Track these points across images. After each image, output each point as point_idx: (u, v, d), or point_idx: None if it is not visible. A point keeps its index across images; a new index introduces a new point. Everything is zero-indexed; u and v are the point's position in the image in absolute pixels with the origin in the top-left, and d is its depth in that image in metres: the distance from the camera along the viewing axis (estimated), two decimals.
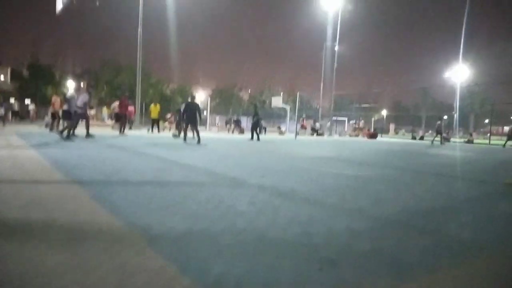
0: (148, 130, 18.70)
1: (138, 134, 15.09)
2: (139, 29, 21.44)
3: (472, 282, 1.75)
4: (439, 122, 20.67)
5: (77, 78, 53.84)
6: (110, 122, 20.34)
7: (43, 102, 41.00)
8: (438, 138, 20.47)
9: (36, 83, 45.91)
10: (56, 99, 14.83)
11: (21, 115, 29.97)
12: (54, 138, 9.96)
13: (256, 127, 15.78)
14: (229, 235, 2.25)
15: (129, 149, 8.09)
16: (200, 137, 11.55)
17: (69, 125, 10.44)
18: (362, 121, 33.43)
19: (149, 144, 9.93)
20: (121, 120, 14.88)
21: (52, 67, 49.54)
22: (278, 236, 2.28)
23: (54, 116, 14.44)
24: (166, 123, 21.45)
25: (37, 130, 15.64)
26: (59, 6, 7.53)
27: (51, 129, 14.03)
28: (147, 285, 1.54)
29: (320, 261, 1.90)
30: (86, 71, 52.21)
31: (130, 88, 41.86)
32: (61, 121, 14.10)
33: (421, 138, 31.49)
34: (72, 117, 10.66)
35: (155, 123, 18.42)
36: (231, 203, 3.12)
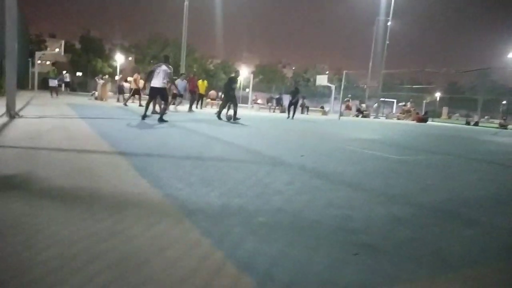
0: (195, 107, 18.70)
1: (185, 110, 15.40)
2: (186, 2, 21.53)
3: None
4: (503, 106, 19.32)
5: (125, 51, 55.75)
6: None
7: (93, 74, 42.89)
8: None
9: (87, 56, 48.08)
10: (137, 77, 15.89)
11: (72, 87, 31.18)
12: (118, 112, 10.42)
13: (292, 105, 15.66)
14: (265, 214, 2.24)
15: (180, 126, 8.29)
16: (240, 115, 11.35)
17: (166, 106, 11.35)
18: (409, 103, 31.67)
19: (195, 120, 10.12)
20: (192, 97, 15.80)
21: (102, 40, 51.54)
22: (315, 218, 2.24)
23: (136, 92, 15.54)
24: (209, 100, 21.67)
25: (92, 102, 16.45)
26: None
27: (125, 104, 15.11)
28: (183, 256, 1.57)
29: (357, 246, 1.84)
30: (133, 45, 53.77)
31: (175, 63, 42.72)
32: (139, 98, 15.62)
33: (476, 123, 29.51)
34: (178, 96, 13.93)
35: (200, 99, 18.29)
36: (269, 182, 3.11)
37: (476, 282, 1.55)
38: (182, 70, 22.17)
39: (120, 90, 19.08)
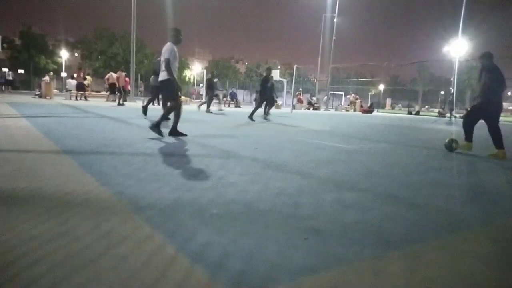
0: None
1: (135, 106, 14.93)
2: None
3: (455, 253, 1.77)
4: (450, 97, 20.66)
5: (71, 47, 52.78)
6: (105, 94, 20.06)
7: (36, 72, 40.32)
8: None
9: (29, 52, 44.97)
10: (120, 74, 15.76)
11: (15, 85, 29.08)
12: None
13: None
14: (218, 206, 2.26)
15: (122, 120, 8.02)
16: (195, 110, 11.32)
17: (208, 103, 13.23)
18: (352, 95, 33.11)
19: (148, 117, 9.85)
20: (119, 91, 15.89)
21: (45, 36, 48.43)
22: (266, 207, 2.29)
23: (119, 90, 15.53)
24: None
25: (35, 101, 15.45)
26: None
27: (119, 104, 15.06)
28: (133, 253, 1.55)
29: (306, 232, 1.91)
30: (79, 41, 51.03)
31: (124, 59, 41.18)
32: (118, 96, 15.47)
33: (417, 113, 31.46)
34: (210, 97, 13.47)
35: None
36: (221, 175, 3.12)
37: (415, 260, 1.67)
38: (132, 66, 21.43)
39: (80, 88, 18.23)
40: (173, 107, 5.42)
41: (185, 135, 5.59)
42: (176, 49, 5.36)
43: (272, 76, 11.03)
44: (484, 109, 5.57)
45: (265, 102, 11.32)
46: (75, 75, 19.19)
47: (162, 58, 5.27)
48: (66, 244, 1.59)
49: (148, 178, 2.83)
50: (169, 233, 1.77)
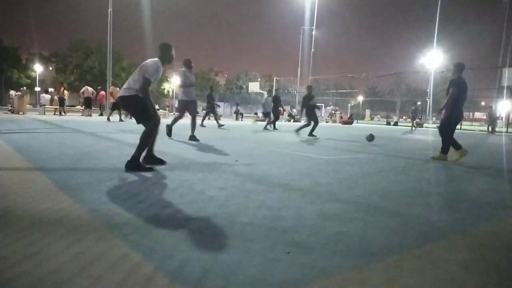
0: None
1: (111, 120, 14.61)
2: (109, 9, 20.60)
3: (435, 261, 1.78)
4: (413, 107, 21.60)
5: (45, 61, 51.66)
6: (80, 108, 19.66)
7: (8, 86, 39.19)
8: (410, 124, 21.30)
9: (0, 66, 43.70)
10: (114, 89, 14.93)
11: None
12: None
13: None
14: (198, 221, 2.20)
15: (98, 134, 7.84)
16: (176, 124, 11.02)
17: (268, 122, 12.45)
18: (331, 107, 33.82)
19: (124, 131, 9.67)
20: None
21: (17, 49, 47.24)
22: (247, 221, 2.25)
23: (114, 105, 14.37)
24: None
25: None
26: None
27: (108, 119, 14.13)
28: (108, 272, 1.48)
29: (288, 245, 1.88)
30: (54, 54, 50.06)
31: (100, 72, 40.58)
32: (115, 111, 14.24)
33: (395, 123, 32.17)
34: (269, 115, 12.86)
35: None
36: (201, 189, 3.06)
37: (397, 269, 1.66)
38: (109, 79, 21.12)
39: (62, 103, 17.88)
40: (149, 133, 4.01)
41: (164, 162, 4.23)
42: (161, 69, 4.30)
43: (313, 95, 11.39)
44: (453, 119, 6.01)
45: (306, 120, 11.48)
46: (52, 89, 18.78)
47: (142, 75, 4.00)
48: (38, 265, 1.51)
49: (124, 195, 2.74)
50: (146, 251, 1.71)
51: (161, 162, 4.22)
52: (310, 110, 10.95)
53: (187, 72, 7.38)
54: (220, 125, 13.43)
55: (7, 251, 1.64)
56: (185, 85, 7.39)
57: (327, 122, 31.96)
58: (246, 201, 2.71)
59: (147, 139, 4.02)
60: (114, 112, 14.76)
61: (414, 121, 21.67)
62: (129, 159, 3.85)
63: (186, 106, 7.52)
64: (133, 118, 4.19)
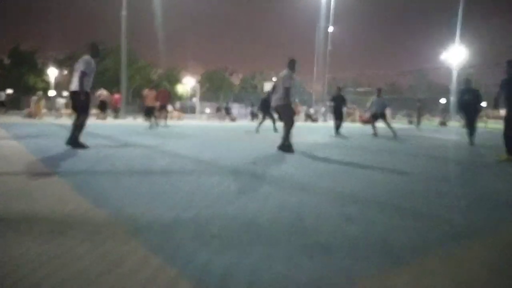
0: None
1: (126, 123, 14.81)
2: (123, 12, 20.83)
3: (461, 265, 1.72)
4: (418, 104, 21.29)
5: (60, 64, 52.52)
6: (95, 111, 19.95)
7: (25, 91, 40.03)
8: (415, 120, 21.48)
9: (18, 71, 44.68)
10: (148, 93, 13.06)
11: (6, 106, 28.44)
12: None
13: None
14: (218, 224, 2.19)
15: (114, 138, 7.93)
16: (190, 125, 11.20)
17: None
18: (347, 107, 33.20)
19: (139, 134, 9.77)
20: (162, 111, 13.46)
21: (34, 53, 48.15)
22: (268, 224, 2.22)
23: (149, 110, 12.82)
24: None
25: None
26: None
27: (150, 126, 12.20)
28: (132, 275, 1.48)
29: (311, 247, 1.84)
30: (69, 57, 50.87)
31: (116, 74, 41.08)
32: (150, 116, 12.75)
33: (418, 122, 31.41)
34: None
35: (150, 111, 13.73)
36: (220, 192, 3.05)
37: (421, 271, 1.62)
38: (123, 81, 21.35)
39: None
40: (82, 121, 5.68)
41: (87, 147, 5.62)
42: (94, 63, 5.66)
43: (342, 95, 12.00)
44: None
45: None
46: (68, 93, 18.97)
47: (79, 68, 5.55)
48: (64, 266, 1.54)
49: (143, 198, 2.75)
50: (168, 255, 1.70)
51: (83, 146, 5.59)
52: (339, 109, 11.50)
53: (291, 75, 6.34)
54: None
55: (32, 254, 1.66)
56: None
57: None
58: (266, 204, 2.69)
59: (81, 125, 5.71)
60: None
61: (444, 119, 21.19)
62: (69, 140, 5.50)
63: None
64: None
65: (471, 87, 8.32)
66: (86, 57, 5.72)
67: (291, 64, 6.34)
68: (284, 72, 6.27)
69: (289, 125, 6.16)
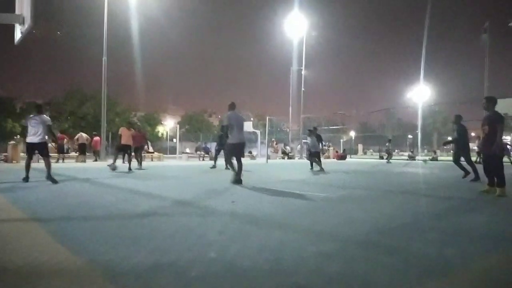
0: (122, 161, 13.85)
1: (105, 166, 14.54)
2: (104, 58, 21.17)
3: None
4: (387, 144, 23.91)
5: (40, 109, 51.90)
6: (75, 154, 19.59)
7: (1, 136, 39.25)
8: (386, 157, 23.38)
9: None
10: (123, 131, 11.92)
11: None
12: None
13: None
14: (198, 267, 2.18)
15: (94, 181, 7.80)
16: (168, 165, 11.17)
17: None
18: (324, 143, 34.26)
19: (116, 176, 9.63)
20: (138, 152, 12.76)
21: (12, 99, 47.74)
22: (248, 264, 2.23)
23: (122, 149, 11.92)
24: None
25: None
26: (17, 36, 6.96)
27: (113, 167, 11.17)
28: None
29: (291, 287, 1.86)
30: (48, 102, 50.54)
31: (95, 118, 40.84)
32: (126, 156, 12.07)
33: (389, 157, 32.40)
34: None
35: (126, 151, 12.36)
36: (200, 233, 3.04)
37: None
38: (103, 126, 21.28)
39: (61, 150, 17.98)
40: (49, 162, 7.54)
41: (56, 182, 7.12)
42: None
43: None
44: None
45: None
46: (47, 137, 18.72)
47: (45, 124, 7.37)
48: None
49: (123, 243, 2.72)
50: None
51: (55, 181, 7.15)
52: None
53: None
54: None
55: None
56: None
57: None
58: (246, 245, 2.70)
59: (50, 165, 7.56)
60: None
61: (388, 154, 23.03)
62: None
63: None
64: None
65: (461, 123, 8.54)
66: (42, 115, 7.64)
67: (231, 107, 7.51)
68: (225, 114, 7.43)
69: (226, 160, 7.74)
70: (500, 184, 5.60)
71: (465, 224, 3.65)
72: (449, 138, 8.75)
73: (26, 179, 7.40)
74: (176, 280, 1.96)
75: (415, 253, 2.55)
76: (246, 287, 1.88)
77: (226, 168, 9.88)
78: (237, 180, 7.22)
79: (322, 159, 14.31)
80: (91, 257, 2.34)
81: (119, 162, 12.40)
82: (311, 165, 12.74)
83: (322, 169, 11.95)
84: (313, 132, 12.96)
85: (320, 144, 13.42)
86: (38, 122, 7.28)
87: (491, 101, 5.89)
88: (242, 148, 7.72)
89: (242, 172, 7.29)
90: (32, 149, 7.48)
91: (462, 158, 8.62)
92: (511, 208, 4.76)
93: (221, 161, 13.41)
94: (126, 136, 11.88)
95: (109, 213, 4.04)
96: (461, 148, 8.59)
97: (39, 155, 7.99)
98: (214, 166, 13.38)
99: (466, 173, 8.45)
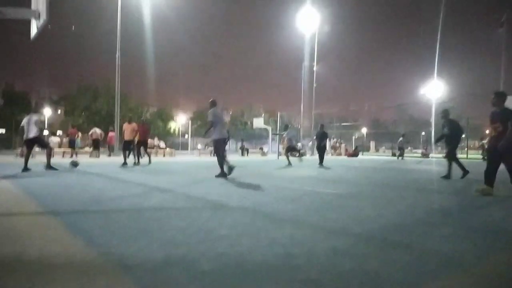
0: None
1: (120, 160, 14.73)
2: (117, 54, 21.38)
3: None
4: (401, 138, 23.20)
5: (54, 104, 52.94)
6: (88, 149, 19.90)
7: (17, 130, 40.09)
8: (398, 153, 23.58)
9: (11, 110, 44.86)
10: (126, 126, 12.03)
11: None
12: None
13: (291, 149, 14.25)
14: (209, 260, 2.19)
15: (106, 175, 7.90)
16: (180, 161, 11.26)
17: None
18: (334, 140, 33.99)
19: (131, 171, 9.73)
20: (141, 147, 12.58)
21: (27, 93, 48.70)
22: (259, 259, 2.23)
23: (126, 145, 12.00)
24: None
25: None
26: (33, 31, 7.08)
27: (123, 165, 11.18)
28: None
29: (302, 283, 1.85)
30: (62, 97, 51.37)
31: (108, 113, 41.36)
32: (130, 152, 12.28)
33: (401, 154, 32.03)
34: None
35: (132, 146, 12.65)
36: (211, 228, 3.05)
37: None
38: (117, 121, 21.51)
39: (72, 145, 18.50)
40: (50, 152, 9.33)
41: (56, 169, 8.72)
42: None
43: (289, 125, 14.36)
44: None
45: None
46: (61, 132, 19.14)
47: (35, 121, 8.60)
48: None
49: (135, 236, 2.74)
50: None
51: (55, 169, 8.77)
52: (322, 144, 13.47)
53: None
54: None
55: None
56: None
57: (332, 155, 31.90)
58: (257, 239, 2.69)
59: (50, 156, 9.29)
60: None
61: (400, 150, 23.37)
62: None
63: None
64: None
65: (450, 118, 8.35)
66: (33, 114, 8.92)
67: (213, 103, 7.99)
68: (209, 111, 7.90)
69: (218, 156, 7.87)
70: None
71: (479, 220, 3.58)
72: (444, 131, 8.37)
73: (25, 169, 8.44)
74: (187, 273, 1.97)
75: (428, 249, 2.50)
76: (257, 281, 1.88)
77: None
78: (223, 174, 7.68)
79: (334, 156, 14.73)
80: (104, 250, 2.37)
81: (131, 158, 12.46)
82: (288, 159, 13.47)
83: (290, 164, 12.91)
84: (288, 127, 14.85)
85: (326, 141, 14.23)
86: (29, 122, 8.59)
87: (501, 97, 5.60)
88: (225, 143, 8.29)
89: (250, 166, 7.30)
90: (29, 144, 8.78)
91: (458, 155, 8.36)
92: None
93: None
94: (128, 130, 11.90)
95: (121, 206, 4.08)
96: (451, 143, 8.26)
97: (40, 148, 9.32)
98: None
99: (465, 172, 8.11)
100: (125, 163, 11.24)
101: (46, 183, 6.18)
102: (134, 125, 12.19)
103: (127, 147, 12.09)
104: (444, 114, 8.44)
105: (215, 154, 8.28)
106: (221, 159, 7.81)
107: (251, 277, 1.94)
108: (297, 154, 14.72)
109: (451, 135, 8.18)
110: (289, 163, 12.83)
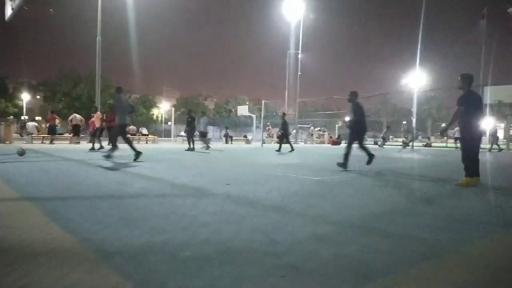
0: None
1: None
2: (98, 38, 20.80)
3: (433, 285, 1.79)
4: (385, 130, 23.81)
5: (33, 90, 51.41)
6: (69, 135, 19.44)
7: None
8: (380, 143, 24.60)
9: None
10: (96, 115, 13.77)
11: None
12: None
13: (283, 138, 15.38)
14: (191, 247, 2.18)
15: (87, 162, 7.76)
16: (166, 148, 11.22)
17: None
18: (312, 128, 34.30)
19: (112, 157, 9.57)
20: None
21: (5, 78, 47.08)
22: (241, 246, 2.24)
23: (95, 132, 13.53)
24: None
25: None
26: (8, 12, 6.74)
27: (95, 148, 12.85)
28: None
29: (284, 269, 1.87)
30: (42, 83, 49.88)
31: (89, 99, 40.48)
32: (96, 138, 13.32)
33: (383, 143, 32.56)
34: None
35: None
36: (194, 214, 3.04)
37: None
38: (98, 105, 21.04)
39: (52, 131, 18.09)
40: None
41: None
42: None
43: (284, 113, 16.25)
44: (478, 139, 5.47)
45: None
46: (40, 118, 18.66)
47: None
48: None
49: (116, 223, 2.71)
50: (140, 281, 1.68)
51: None
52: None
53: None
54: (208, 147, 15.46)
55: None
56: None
57: (316, 143, 32.15)
58: (240, 226, 2.70)
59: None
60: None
61: (383, 140, 23.67)
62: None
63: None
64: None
65: (355, 101, 7.95)
66: None
67: (120, 90, 9.05)
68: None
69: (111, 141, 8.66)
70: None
71: (458, 209, 3.68)
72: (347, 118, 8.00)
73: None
74: (169, 260, 1.95)
75: (408, 237, 2.56)
76: (240, 267, 1.88)
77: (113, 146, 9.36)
78: (109, 156, 8.27)
79: (316, 144, 15.18)
80: (84, 236, 2.33)
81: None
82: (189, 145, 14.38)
83: (191, 149, 14.08)
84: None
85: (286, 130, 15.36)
86: None
87: (467, 79, 5.43)
88: (125, 128, 8.95)
89: (235, 154, 7.26)
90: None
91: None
92: (507, 195, 4.80)
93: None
94: (97, 119, 13.44)
95: (102, 193, 4.02)
96: (355, 129, 7.95)
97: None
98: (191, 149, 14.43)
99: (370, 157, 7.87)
100: (101, 147, 12.83)
101: (25, 170, 6.02)
102: (98, 113, 13.97)
103: (96, 133, 13.58)
104: (351, 95, 7.96)
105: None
106: (114, 143, 8.46)
107: (233, 263, 1.94)
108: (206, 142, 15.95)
109: (356, 120, 7.80)
110: (190, 148, 14.13)
